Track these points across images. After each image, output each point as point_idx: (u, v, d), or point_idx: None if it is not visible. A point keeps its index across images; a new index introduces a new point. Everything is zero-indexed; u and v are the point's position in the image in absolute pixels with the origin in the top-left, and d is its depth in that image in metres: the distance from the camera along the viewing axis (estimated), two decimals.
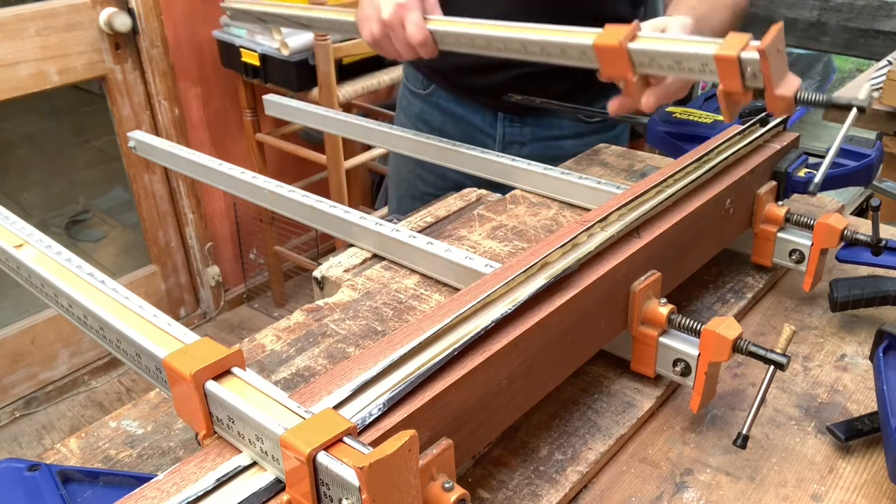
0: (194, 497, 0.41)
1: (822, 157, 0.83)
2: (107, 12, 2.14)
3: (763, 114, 0.82)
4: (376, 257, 0.84)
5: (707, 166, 0.72)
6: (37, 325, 2.31)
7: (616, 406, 0.64)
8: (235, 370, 0.46)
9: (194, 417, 0.46)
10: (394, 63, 2.27)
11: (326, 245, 2.76)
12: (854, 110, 0.69)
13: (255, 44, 2.22)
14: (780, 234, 0.77)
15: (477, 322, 0.52)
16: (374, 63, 2.29)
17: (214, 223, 2.64)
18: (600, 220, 0.63)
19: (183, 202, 2.51)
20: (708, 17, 0.94)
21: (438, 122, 1.26)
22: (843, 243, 0.74)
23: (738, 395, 0.67)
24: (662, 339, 0.62)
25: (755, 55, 0.64)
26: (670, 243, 0.67)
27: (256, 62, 2.22)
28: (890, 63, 1.75)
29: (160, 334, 0.51)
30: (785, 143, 0.81)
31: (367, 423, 0.45)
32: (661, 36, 0.74)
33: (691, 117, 0.94)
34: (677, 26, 0.81)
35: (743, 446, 0.57)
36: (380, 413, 0.45)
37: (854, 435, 0.60)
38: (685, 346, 0.61)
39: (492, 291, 0.54)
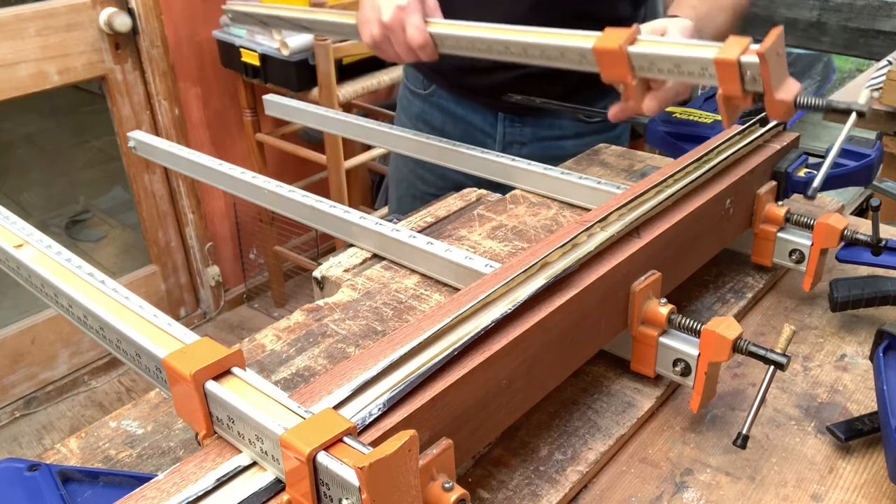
0: (194, 497, 0.41)
1: (822, 157, 0.83)
2: (107, 12, 2.14)
3: (763, 114, 0.82)
4: (376, 257, 0.84)
5: (707, 166, 0.72)
6: (37, 325, 2.31)
7: (616, 406, 0.64)
8: (235, 370, 0.46)
9: (194, 417, 0.46)
10: (394, 63, 2.27)
11: (326, 245, 2.76)
12: (853, 115, 0.69)
13: (255, 44, 2.22)
14: (780, 234, 0.77)
15: (477, 322, 0.52)
16: (374, 63, 2.29)
17: (214, 223, 2.64)
18: (600, 220, 0.63)
19: (183, 202, 2.51)
20: (709, 16, 0.94)
21: (439, 122, 1.26)
22: (843, 243, 0.74)
23: (738, 395, 0.67)
24: (662, 339, 0.62)
25: (755, 59, 0.64)
26: (670, 243, 0.67)
27: (256, 62, 2.22)
28: (890, 63, 1.75)
29: (160, 334, 0.51)
30: (785, 143, 0.81)
31: (367, 423, 0.45)
32: (660, 39, 0.74)
33: (691, 117, 0.94)
34: (677, 30, 0.81)
35: (743, 446, 0.57)
36: (380, 413, 0.45)
37: (854, 435, 0.60)
38: (685, 346, 0.61)
39: (492, 291, 0.54)
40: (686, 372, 0.61)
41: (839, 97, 1.76)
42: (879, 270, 0.76)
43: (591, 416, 0.63)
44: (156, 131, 2.35)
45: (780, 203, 0.79)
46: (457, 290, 0.75)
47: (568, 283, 0.58)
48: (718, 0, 0.99)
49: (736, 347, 0.57)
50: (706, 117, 0.93)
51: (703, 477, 0.59)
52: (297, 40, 2.12)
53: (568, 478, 0.57)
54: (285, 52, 2.13)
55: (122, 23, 2.15)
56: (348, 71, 2.23)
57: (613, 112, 0.84)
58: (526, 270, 0.57)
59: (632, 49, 0.72)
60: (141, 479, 0.45)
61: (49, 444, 1.66)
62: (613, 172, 1.06)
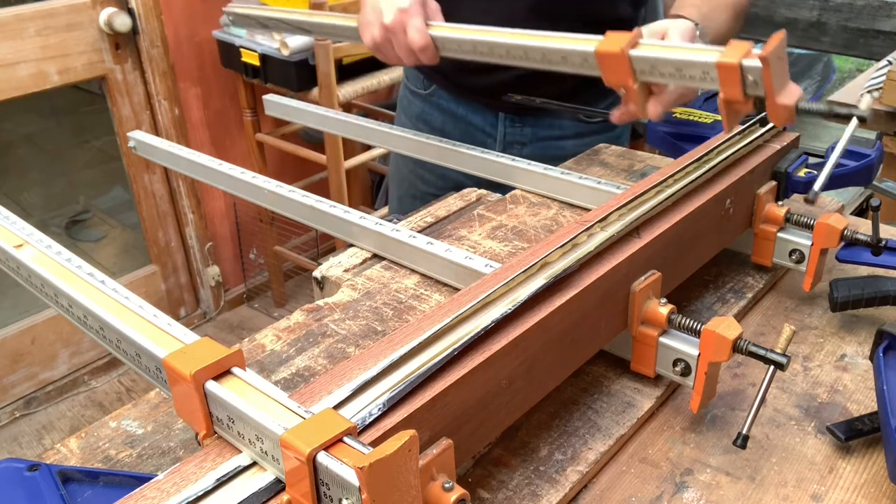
0: (194, 497, 0.41)
1: (822, 157, 0.83)
2: (107, 12, 2.14)
3: (763, 113, 0.82)
4: (376, 257, 0.84)
5: (707, 166, 0.72)
6: (37, 325, 2.31)
7: (616, 406, 0.64)
8: (235, 370, 0.46)
9: (194, 417, 0.46)
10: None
11: (326, 245, 2.76)
12: (854, 119, 0.69)
13: (255, 44, 2.22)
14: (780, 234, 0.77)
15: (477, 322, 0.52)
16: (374, 63, 2.29)
17: (214, 223, 2.64)
18: (600, 220, 0.63)
19: (183, 202, 2.51)
20: (711, 16, 0.94)
21: (439, 122, 1.26)
22: (843, 243, 0.74)
23: (738, 395, 0.67)
24: (662, 339, 0.62)
25: (757, 63, 0.64)
26: (670, 243, 0.67)
27: (256, 62, 2.22)
28: (890, 63, 1.75)
29: (160, 334, 0.51)
30: (785, 143, 0.81)
31: (367, 423, 0.45)
32: (662, 43, 0.74)
33: (691, 117, 0.94)
34: (677, 32, 0.81)
35: (743, 446, 0.57)
36: (380, 413, 0.45)
37: (854, 435, 0.60)
38: (685, 346, 0.61)
39: (492, 291, 0.54)
40: (686, 372, 0.61)
41: (839, 97, 1.76)
42: (879, 270, 0.76)
43: (591, 416, 0.63)
44: (156, 131, 2.35)
45: (780, 203, 0.79)
46: (457, 290, 0.75)
47: (568, 283, 0.58)
48: None
49: (736, 347, 0.57)
50: (706, 117, 0.94)
51: (703, 477, 0.59)
52: (297, 40, 2.12)
53: (568, 478, 0.57)
54: (285, 52, 2.13)
55: (122, 23, 2.15)
56: (348, 71, 2.23)
57: (616, 115, 0.84)
58: (526, 270, 0.57)
59: (633, 52, 0.72)
60: (141, 479, 0.45)
61: (49, 444, 1.66)
62: (613, 172, 1.06)
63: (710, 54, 0.67)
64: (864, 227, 0.79)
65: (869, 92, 1.64)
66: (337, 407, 0.45)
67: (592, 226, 0.62)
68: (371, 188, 2.94)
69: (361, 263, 0.83)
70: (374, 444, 0.41)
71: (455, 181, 1.15)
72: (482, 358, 0.50)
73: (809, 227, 0.75)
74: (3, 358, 2.26)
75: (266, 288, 2.82)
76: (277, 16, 1.10)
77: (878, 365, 0.59)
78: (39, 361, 2.35)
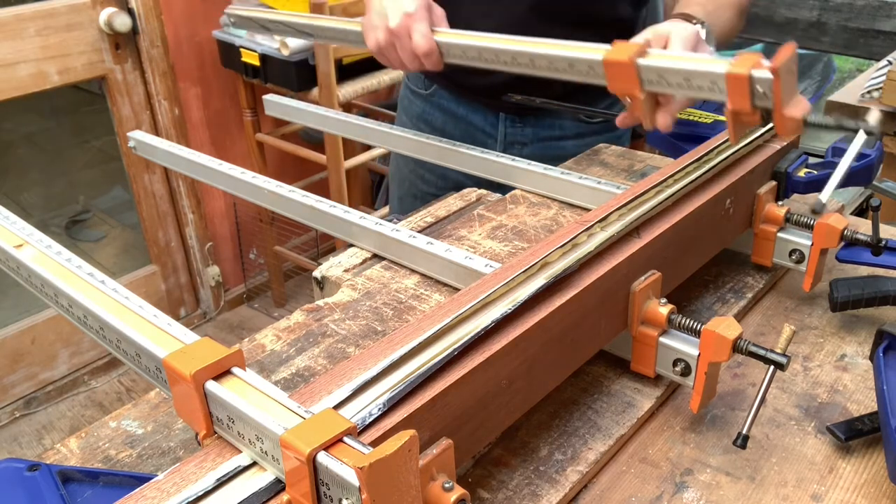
0: (194, 497, 0.41)
1: (822, 157, 0.83)
2: (107, 12, 2.14)
3: (770, 124, 0.82)
4: (376, 257, 0.84)
5: (707, 166, 0.72)
6: (37, 325, 2.31)
7: (616, 406, 0.64)
8: (235, 370, 0.46)
9: (194, 417, 0.46)
10: None
11: (326, 245, 2.76)
12: (861, 132, 0.68)
13: (255, 44, 2.22)
14: (780, 234, 0.77)
15: (477, 322, 0.52)
16: (375, 63, 2.27)
17: (214, 223, 2.64)
18: (600, 220, 0.63)
19: (183, 202, 2.51)
20: (716, 14, 0.94)
21: (440, 122, 1.26)
22: (843, 243, 0.74)
23: (738, 395, 0.67)
24: (662, 339, 0.62)
25: (767, 74, 0.63)
26: (670, 243, 0.67)
27: (256, 62, 2.22)
28: (890, 63, 1.75)
29: (160, 334, 0.51)
30: (785, 143, 0.81)
31: (367, 423, 0.45)
32: (670, 53, 0.73)
33: (691, 117, 0.94)
34: (679, 40, 0.80)
35: (743, 446, 0.57)
36: (380, 413, 0.45)
37: (854, 435, 0.60)
38: (685, 346, 0.61)
39: (492, 291, 0.54)
40: (686, 372, 0.61)
41: (839, 97, 1.76)
42: (879, 270, 0.76)
43: (591, 416, 0.63)
44: (156, 131, 2.35)
45: (780, 203, 0.79)
46: (457, 290, 0.75)
47: (568, 283, 0.58)
48: None
49: (736, 347, 0.57)
50: (706, 117, 0.93)
51: (703, 477, 0.59)
52: (297, 40, 2.12)
53: (568, 478, 0.57)
54: (285, 52, 2.13)
55: (122, 23, 2.15)
56: (348, 71, 2.23)
57: (621, 120, 0.83)
58: (526, 270, 0.57)
59: (641, 62, 0.71)
60: (141, 479, 0.45)
61: (49, 444, 1.66)
62: (613, 172, 1.06)
63: (720, 65, 0.67)
64: (864, 227, 0.79)
65: (881, 112, 1.64)
66: (337, 407, 0.45)
67: (592, 226, 0.62)
68: (371, 188, 2.94)
69: (361, 263, 0.83)
70: (374, 444, 0.41)
71: (455, 181, 1.15)
72: (482, 358, 0.50)
73: (809, 227, 0.75)
74: (3, 358, 2.26)
75: (266, 288, 2.82)
76: (279, 19, 1.09)
77: (878, 365, 0.59)
78: (39, 361, 2.36)
